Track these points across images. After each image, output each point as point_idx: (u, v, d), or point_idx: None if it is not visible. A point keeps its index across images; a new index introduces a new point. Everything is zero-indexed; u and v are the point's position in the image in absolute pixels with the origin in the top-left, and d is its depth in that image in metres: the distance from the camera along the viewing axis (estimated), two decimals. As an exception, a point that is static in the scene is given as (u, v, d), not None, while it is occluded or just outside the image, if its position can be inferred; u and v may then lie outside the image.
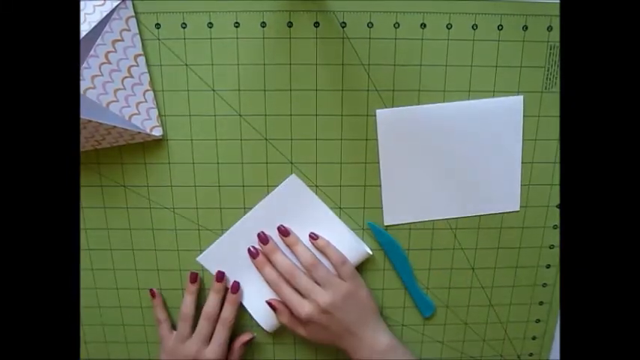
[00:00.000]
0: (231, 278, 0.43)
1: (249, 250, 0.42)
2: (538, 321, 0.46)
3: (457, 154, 0.41)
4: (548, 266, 0.45)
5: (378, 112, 0.39)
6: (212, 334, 0.41)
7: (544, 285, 0.45)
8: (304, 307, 0.39)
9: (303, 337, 0.41)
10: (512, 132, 0.41)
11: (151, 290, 0.43)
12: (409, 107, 0.39)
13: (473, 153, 0.41)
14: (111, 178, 0.41)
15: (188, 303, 0.42)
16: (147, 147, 0.40)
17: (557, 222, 0.43)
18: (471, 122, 0.40)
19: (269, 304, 0.41)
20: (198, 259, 0.43)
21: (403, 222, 0.42)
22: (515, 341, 0.47)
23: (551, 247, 0.44)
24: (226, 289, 0.42)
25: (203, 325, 0.41)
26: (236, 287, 0.42)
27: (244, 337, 0.43)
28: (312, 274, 0.40)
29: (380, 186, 0.41)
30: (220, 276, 0.42)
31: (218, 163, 0.41)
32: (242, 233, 0.42)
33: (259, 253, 0.41)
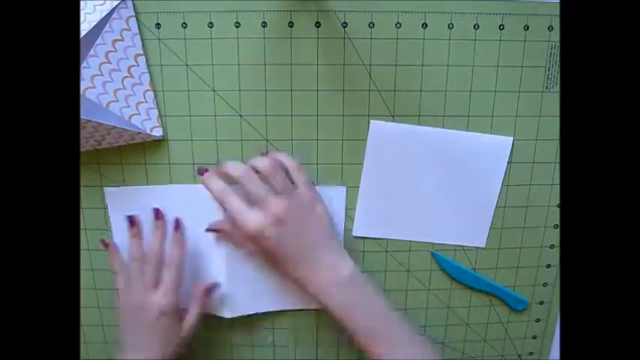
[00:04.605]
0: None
1: (198, 169, 0.37)
2: (538, 320, 0.46)
3: (439, 182, 0.41)
4: (548, 266, 0.45)
5: (372, 123, 0.39)
6: (158, 280, 0.37)
7: (544, 284, 0.45)
8: (253, 216, 0.33)
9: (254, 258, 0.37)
10: (495, 173, 0.41)
11: (101, 241, 0.40)
12: (403, 125, 0.40)
13: (454, 185, 0.41)
14: (111, 178, 0.41)
15: (131, 248, 0.38)
16: (147, 147, 0.40)
17: (557, 222, 0.44)
18: (459, 154, 0.40)
19: (211, 229, 0.38)
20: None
21: (371, 236, 0.42)
22: (515, 341, 0.47)
23: (552, 247, 0.44)
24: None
25: (145, 269, 0.37)
26: (177, 224, 0.38)
27: (203, 284, 0.39)
28: (270, 180, 0.35)
29: (357, 197, 0.41)
30: (157, 213, 0.39)
31: (218, 163, 0.40)
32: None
33: (207, 168, 0.36)
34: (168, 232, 0.39)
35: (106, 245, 0.40)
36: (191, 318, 0.39)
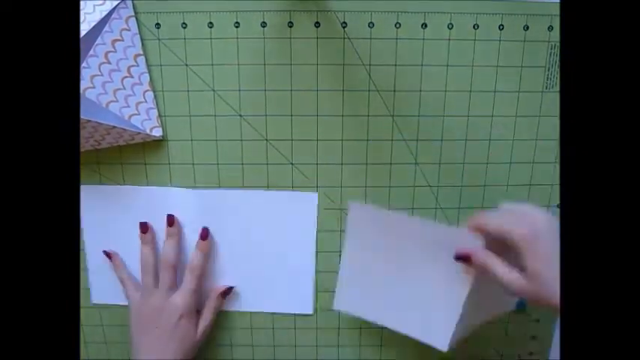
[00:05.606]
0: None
1: None
2: (538, 320, 0.46)
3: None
4: (548, 266, 0.45)
5: (352, 205, 0.37)
6: (176, 283, 0.40)
7: (544, 285, 0.45)
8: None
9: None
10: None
11: (104, 252, 0.41)
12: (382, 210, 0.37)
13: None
14: (111, 178, 0.41)
15: (145, 254, 0.40)
16: (147, 147, 0.40)
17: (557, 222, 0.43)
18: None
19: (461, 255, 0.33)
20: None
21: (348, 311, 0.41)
22: (515, 341, 0.47)
23: (552, 246, 0.44)
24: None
25: (164, 275, 0.39)
26: (205, 234, 0.40)
27: (221, 288, 0.42)
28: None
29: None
30: (171, 220, 0.40)
31: (218, 163, 0.40)
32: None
33: None
34: (186, 238, 0.42)
35: (108, 256, 0.42)
36: (206, 321, 0.41)
